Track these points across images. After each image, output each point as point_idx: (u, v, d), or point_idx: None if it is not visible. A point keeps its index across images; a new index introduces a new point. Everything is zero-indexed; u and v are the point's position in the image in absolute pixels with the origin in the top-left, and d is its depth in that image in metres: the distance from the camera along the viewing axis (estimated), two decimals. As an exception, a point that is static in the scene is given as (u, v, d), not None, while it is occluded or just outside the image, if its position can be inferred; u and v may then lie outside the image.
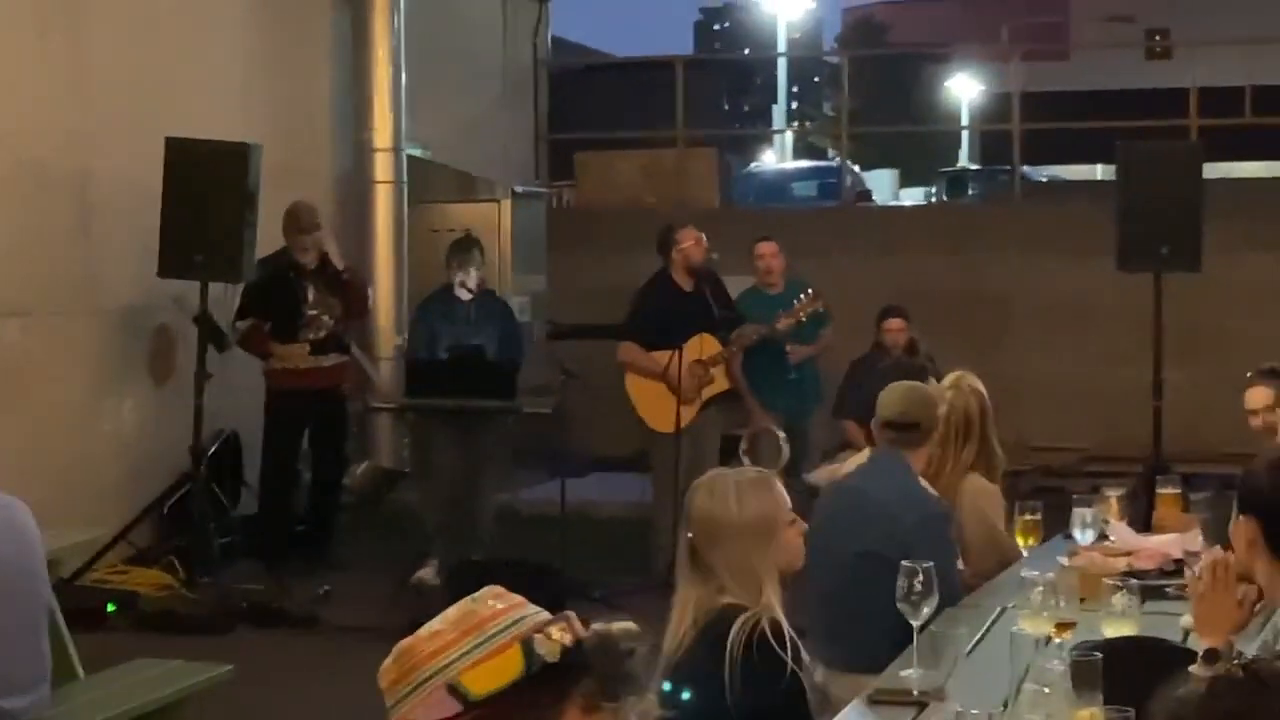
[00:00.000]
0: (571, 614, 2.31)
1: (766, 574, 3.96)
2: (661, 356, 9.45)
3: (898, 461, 5.35)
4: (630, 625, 2.31)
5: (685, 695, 3.63)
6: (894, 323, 10.35)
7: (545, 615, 2.31)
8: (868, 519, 5.20)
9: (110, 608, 8.66)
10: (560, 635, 2.26)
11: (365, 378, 11.06)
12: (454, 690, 2.24)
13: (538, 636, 2.25)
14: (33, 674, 5.00)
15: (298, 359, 9.96)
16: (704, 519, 4.00)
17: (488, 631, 2.26)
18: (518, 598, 2.34)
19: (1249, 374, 6.83)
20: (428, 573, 9.43)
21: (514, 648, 2.24)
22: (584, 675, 2.26)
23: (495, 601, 2.32)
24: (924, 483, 5.40)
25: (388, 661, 2.31)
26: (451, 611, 2.32)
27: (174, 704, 5.93)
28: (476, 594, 2.34)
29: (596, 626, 2.30)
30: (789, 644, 3.84)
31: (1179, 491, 6.09)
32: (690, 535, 4.00)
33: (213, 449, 10.13)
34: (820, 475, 6.42)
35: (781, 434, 9.73)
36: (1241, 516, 3.58)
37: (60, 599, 5.96)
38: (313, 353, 10.00)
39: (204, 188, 9.31)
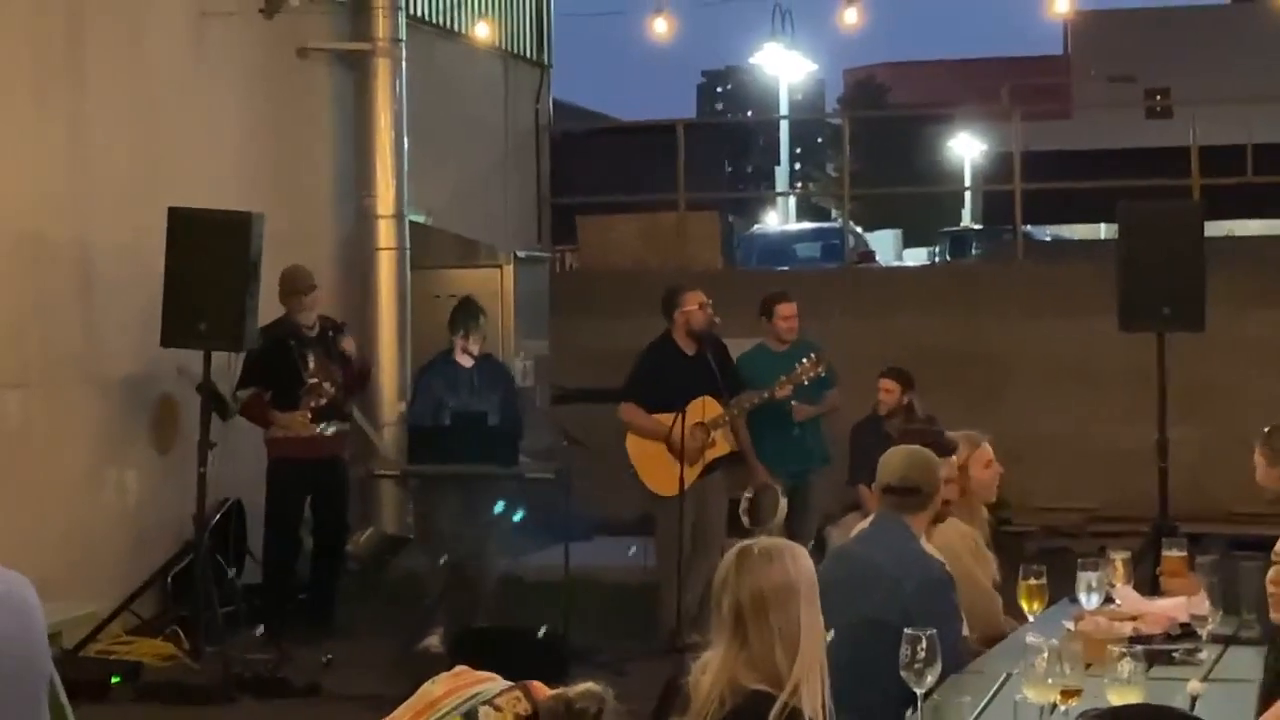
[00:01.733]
0: (533, 684, 2.30)
1: (818, 642, 3.92)
2: (663, 419, 9.44)
3: (899, 526, 5.32)
4: (591, 687, 2.29)
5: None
6: (885, 383, 10.36)
7: (504, 688, 2.29)
8: (869, 585, 5.16)
9: (114, 679, 8.62)
10: (512, 705, 2.25)
11: (368, 444, 11.04)
12: None
13: (484, 709, 2.24)
14: (32, 749, 4.95)
15: (299, 427, 9.96)
16: (773, 583, 3.93)
17: (440, 710, 2.26)
18: (485, 675, 2.33)
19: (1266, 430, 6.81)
20: (433, 641, 9.40)
21: None
22: None
23: (454, 680, 2.31)
24: (927, 547, 5.37)
25: None
26: (413, 696, 2.32)
27: (175, 776, 5.89)
28: (438, 675, 2.34)
29: (556, 691, 2.28)
30: None
31: (1185, 554, 6.05)
32: (738, 600, 3.93)
33: (216, 518, 10.12)
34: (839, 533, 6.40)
35: (779, 487, 9.72)
36: None
37: (63, 670, 5.89)
38: (314, 420, 10.00)
39: (206, 257, 9.33)
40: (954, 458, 6.14)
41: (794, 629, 3.89)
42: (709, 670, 3.93)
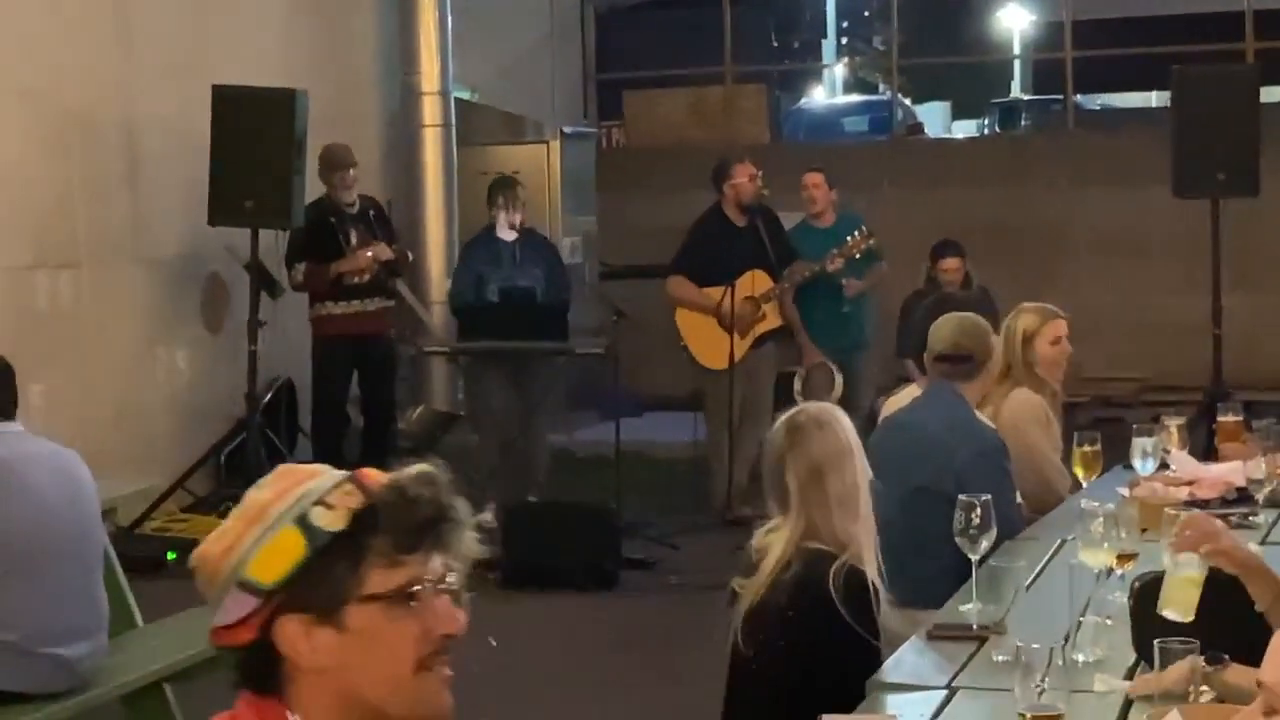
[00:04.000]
0: (364, 471, 2.19)
1: (868, 499, 4.09)
2: (713, 292, 9.39)
3: (951, 394, 5.28)
4: (425, 468, 2.19)
5: None
6: (950, 263, 10.13)
7: (333, 482, 2.18)
8: (922, 454, 5.14)
9: (170, 555, 8.69)
10: (343, 500, 2.14)
11: (418, 322, 11.04)
12: (245, 585, 2.12)
13: (315, 509, 2.11)
14: (90, 622, 5.02)
15: (363, 263, 9.85)
16: (827, 450, 4.06)
17: (271, 516, 2.15)
18: (309, 468, 2.19)
19: None
20: (485, 517, 9.43)
21: (289, 527, 2.14)
22: (376, 535, 2.15)
23: (279, 481, 2.18)
24: (980, 415, 5.34)
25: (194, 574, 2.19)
26: (242, 503, 2.21)
27: (232, 651, 5.93)
28: (262, 479, 2.24)
29: (390, 477, 2.18)
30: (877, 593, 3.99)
31: (1241, 419, 5.99)
32: (795, 473, 4.02)
33: (268, 396, 10.15)
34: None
35: (835, 368, 9.67)
36: None
37: (119, 547, 5.99)
38: (356, 297, 9.94)
39: (252, 135, 9.30)
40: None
41: (852, 491, 4.00)
42: (779, 539, 4.03)
